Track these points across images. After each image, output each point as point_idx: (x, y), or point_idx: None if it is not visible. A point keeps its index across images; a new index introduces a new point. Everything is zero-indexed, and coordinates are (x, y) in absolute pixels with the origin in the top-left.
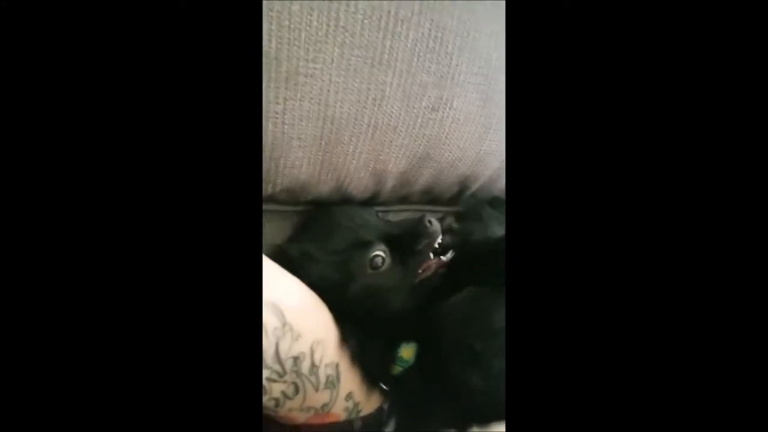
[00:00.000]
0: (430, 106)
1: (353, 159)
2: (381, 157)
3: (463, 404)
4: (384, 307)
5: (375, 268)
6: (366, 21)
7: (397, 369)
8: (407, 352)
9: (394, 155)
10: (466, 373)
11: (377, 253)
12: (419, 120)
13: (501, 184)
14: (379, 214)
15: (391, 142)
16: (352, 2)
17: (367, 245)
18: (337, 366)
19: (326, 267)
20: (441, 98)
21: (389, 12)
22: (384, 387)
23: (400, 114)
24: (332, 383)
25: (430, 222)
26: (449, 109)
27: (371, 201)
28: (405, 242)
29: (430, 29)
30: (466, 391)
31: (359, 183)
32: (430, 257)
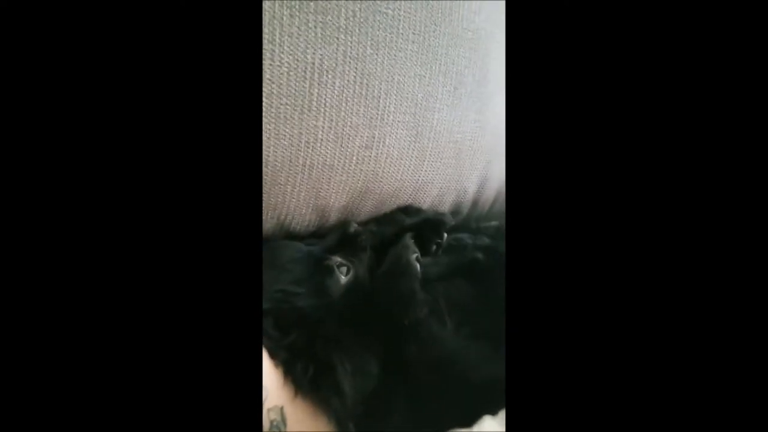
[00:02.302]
0: (364, 144)
1: (292, 198)
2: (321, 194)
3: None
4: (369, 310)
5: (346, 274)
6: (291, 73)
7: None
8: None
9: (333, 191)
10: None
11: (338, 261)
12: (354, 158)
13: (444, 208)
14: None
15: (329, 179)
16: (276, 56)
17: (324, 262)
18: (281, 409)
19: (306, 297)
20: (373, 137)
21: (313, 64)
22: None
23: (334, 154)
24: (277, 427)
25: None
26: (382, 146)
27: (317, 234)
28: (352, 244)
29: (355, 76)
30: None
31: (302, 219)
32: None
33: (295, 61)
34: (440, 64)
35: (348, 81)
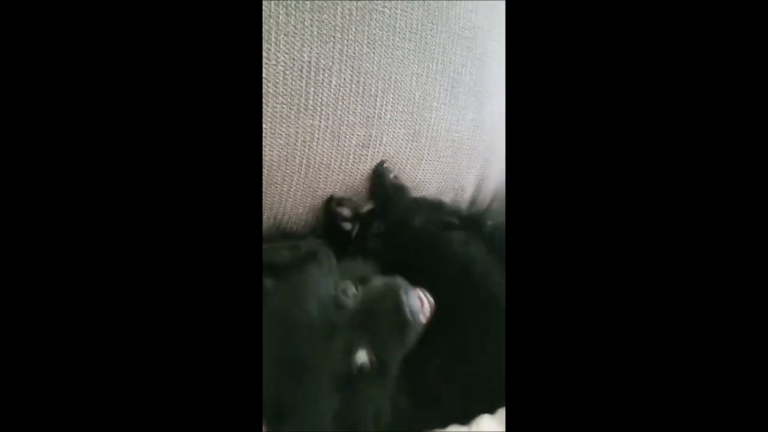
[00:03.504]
0: (360, 143)
1: (289, 197)
2: (318, 193)
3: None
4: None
5: (366, 373)
6: (288, 72)
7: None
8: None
9: (330, 190)
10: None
11: (362, 361)
12: (351, 157)
13: None
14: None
15: (326, 178)
16: (273, 55)
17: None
18: None
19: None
20: (370, 136)
21: (309, 62)
22: None
23: (331, 153)
24: None
25: (405, 294)
26: (379, 145)
27: (313, 233)
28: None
29: (352, 75)
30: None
31: (298, 218)
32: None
33: (291, 60)
34: (437, 62)
35: (344, 80)
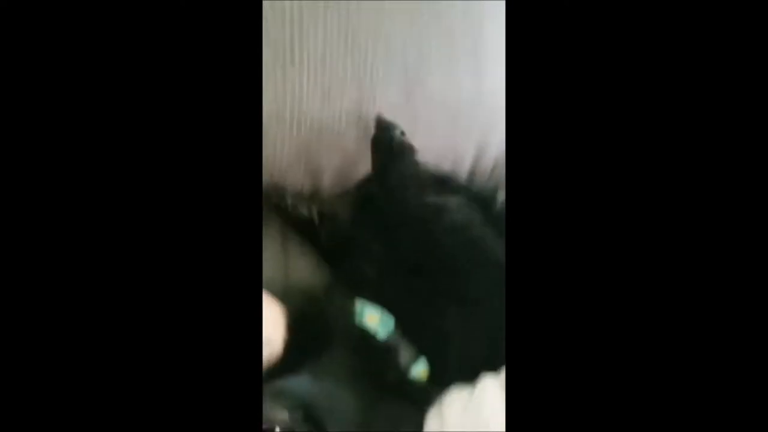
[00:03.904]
0: (352, 101)
1: (283, 155)
2: (311, 155)
3: None
4: None
5: None
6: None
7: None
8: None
9: (325, 153)
10: None
11: None
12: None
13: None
14: None
15: (318, 140)
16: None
17: None
18: None
19: None
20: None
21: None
22: None
23: (322, 111)
24: None
25: None
26: (372, 106)
27: (313, 197)
28: None
29: (338, 30)
30: None
31: (294, 179)
32: None
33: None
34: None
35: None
